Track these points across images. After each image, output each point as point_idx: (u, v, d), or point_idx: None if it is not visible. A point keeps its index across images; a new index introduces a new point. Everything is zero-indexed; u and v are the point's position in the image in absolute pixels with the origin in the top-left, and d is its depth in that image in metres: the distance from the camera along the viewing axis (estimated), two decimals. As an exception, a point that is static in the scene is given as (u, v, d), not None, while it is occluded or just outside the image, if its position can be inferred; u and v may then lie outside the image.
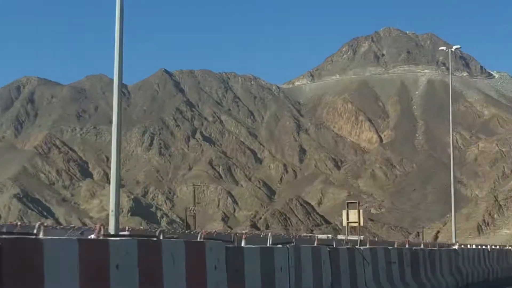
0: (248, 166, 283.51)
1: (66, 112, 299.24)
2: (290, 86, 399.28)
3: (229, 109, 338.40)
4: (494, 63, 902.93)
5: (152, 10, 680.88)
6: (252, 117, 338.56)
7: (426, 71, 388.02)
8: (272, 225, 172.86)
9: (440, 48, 53.79)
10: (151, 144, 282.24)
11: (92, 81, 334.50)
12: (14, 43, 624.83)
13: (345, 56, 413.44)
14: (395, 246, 22.67)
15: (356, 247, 17.97)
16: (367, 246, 19.54)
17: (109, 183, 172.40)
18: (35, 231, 7.99)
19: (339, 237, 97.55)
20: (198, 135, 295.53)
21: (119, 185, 20.98)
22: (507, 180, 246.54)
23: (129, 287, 8.26)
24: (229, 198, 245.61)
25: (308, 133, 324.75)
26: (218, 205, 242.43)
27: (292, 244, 14.11)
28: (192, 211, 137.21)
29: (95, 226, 10.51)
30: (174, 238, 11.73)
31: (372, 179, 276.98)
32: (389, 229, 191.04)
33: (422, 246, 28.37)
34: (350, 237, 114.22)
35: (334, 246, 17.14)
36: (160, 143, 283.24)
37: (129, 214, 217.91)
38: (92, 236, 8.92)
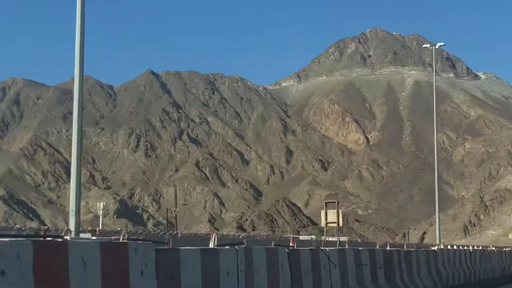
0: (235, 168, 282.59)
1: (51, 113, 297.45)
2: (277, 87, 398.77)
3: (216, 111, 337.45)
4: (481, 64, 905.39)
5: (138, 12, 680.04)
6: (239, 118, 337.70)
7: (412, 72, 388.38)
8: (258, 226, 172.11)
9: (424, 46, 53.24)
10: (137, 146, 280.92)
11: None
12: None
13: (331, 57, 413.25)
14: (377, 247, 21.56)
15: (321, 248, 16.37)
16: (335, 247, 18.23)
17: (95, 184, 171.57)
18: None
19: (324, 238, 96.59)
20: (184, 137, 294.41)
21: (80, 185, 20.20)
22: (493, 181, 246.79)
23: (21, 297, 6.99)
24: (215, 199, 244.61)
25: (295, 134, 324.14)
26: (205, 206, 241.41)
27: (243, 246, 12.79)
28: (173, 212, 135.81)
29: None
30: (140, 240, 10.26)
31: (359, 180, 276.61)
32: (375, 230, 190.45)
33: (405, 247, 27.47)
34: (333, 238, 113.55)
35: (315, 247, 16.26)
36: (146, 145, 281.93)
37: (115, 216, 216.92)
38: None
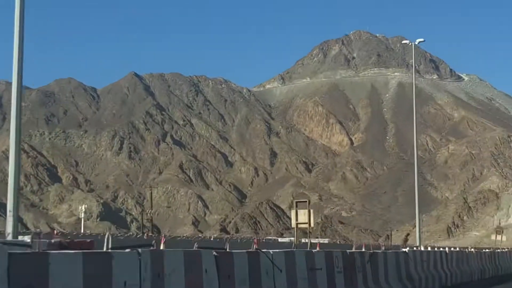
0: (219, 170, 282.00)
1: (34, 116, 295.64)
2: (261, 89, 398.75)
3: (200, 113, 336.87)
4: (464, 66, 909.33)
5: (121, 13, 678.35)
6: (222, 120, 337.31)
7: (396, 74, 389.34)
8: (242, 228, 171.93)
9: (403, 42, 52.63)
10: (120, 148, 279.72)
11: (61, 85, 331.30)
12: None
13: (315, 59, 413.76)
14: (353, 249, 20.84)
15: (264, 250, 14.49)
16: (282, 250, 15.94)
17: (78, 187, 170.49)
18: None
19: (306, 240, 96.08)
20: (168, 139, 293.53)
21: (18, 184, 19.62)
22: (477, 183, 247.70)
23: None
24: (199, 202, 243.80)
25: (279, 136, 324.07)
26: (189, 209, 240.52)
27: (151, 248, 10.91)
28: (149, 214, 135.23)
29: None
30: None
31: (343, 182, 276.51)
32: (359, 232, 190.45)
33: (383, 248, 26.32)
34: (314, 240, 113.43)
35: (254, 249, 14.35)
36: (130, 147, 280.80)
37: (98, 219, 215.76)
38: None
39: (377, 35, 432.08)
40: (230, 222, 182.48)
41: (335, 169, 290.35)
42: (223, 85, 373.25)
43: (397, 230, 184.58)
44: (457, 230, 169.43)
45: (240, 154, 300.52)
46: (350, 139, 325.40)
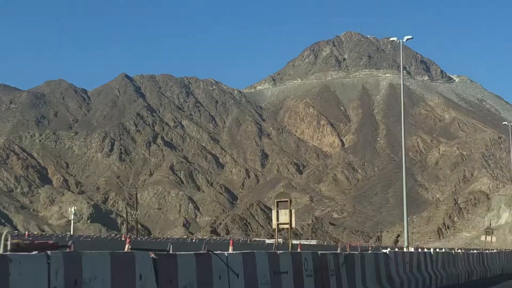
0: (209, 171, 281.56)
1: (25, 117, 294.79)
2: (252, 90, 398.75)
3: (191, 114, 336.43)
4: (455, 67, 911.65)
5: (112, 15, 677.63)
6: (213, 122, 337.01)
7: (387, 75, 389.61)
8: (232, 230, 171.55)
9: (391, 39, 52.35)
10: (111, 150, 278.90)
11: (52, 87, 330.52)
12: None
13: (306, 60, 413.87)
14: (339, 250, 20.01)
15: (216, 252, 12.89)
16: (240, 251, 14.18)
17: (69, 189, 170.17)
18: None
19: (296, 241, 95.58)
20: (159, 140, 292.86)
21: None
22: (468, 184, 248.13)
23: None
24: (190, 203, 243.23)
25: (270, 137, 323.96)
26: (180, 210, 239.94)
27: (67, 250, 9.17)
28: (134, 216, 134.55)
29: None
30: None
31: (334, 183, 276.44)
32: (350, 233, 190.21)
33: (370, 250, 25.60)
34: (305, 241, 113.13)
35: (206, 250, 12.66)
36: (120, 149, 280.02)
37: (89, 221, 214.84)
38: None
39: (368, 36, 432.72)
40: (220, 223, 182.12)
41: (326, 170, 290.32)
42: (214, 87, 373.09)
43: (387, 231, 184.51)
44: (448, 231, 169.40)
45: (231, 156, 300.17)
46: (341, 141, 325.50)
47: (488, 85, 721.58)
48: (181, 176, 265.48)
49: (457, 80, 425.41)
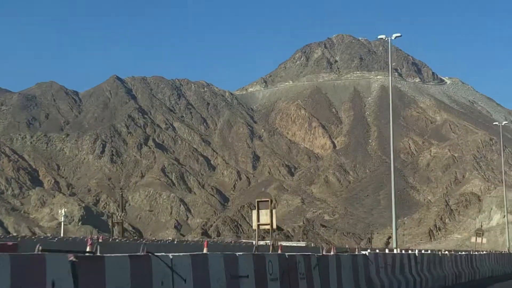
0: (201, 173, 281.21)
1: (16, 119, 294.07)
2: (243, 92, 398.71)
3: (182, 116, 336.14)
4: (446, 69, 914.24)
5: (104, 17, 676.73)
6: (205, 124, 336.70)
7: (379, 77, 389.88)
8: (223, 232, 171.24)
9: (379, 37, 52.02)
10: (102, 152, 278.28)
11: (43, 88, 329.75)
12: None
13: (298, 62, 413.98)
14: (323, 252, 19.17)
15: (159, 254, 11.36)
16: (189, 253, 12.51)
17: (60, 191, 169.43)
18: None
19: (287, 243, 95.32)
20: (150, 142, 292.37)
21: None
22: (459, 185, 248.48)
23: None
24: (182, 205, 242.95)
25: (261, 139, 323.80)
26: (171, 212, 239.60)
27: None
28: (119, 217, 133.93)
29: None
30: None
31: (325, 185, 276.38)
32: (341, 235, 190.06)
33: (357, 251, 24.37)
34: (293, 243, 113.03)
35: (145, 252, 11.18)
36: (112, 151, 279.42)
37: (80, 223, 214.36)
38: None
39: (360, 38, 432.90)
40: (211, 225, 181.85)
41: (317, 172, 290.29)
42: (205, 89, 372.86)
43: (378, 233, 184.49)
44: (439, 233, 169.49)
45: (223, 158, 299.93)
46: (333, 143, 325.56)
47: (480, 87, 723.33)
48: (173, 178, 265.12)
49: (448, 82, 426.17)
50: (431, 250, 39.43)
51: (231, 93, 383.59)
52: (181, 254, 12.13)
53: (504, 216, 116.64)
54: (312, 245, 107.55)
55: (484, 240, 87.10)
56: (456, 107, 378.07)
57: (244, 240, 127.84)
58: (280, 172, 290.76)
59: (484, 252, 46.45)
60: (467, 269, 33.57)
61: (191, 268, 11.98)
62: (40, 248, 9.19)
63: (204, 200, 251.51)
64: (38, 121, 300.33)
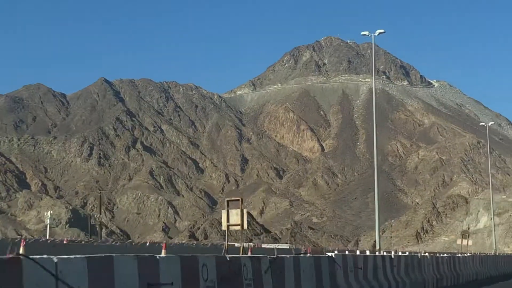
0: (189, 176, 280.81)
1: (3, 122, 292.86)
2: (232, 95, 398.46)
3: (170, 119, 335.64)
4: (434, 72, 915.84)
5: (90, 20, 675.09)
6: (193, 126, 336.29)
7: (367, 80, 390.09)
8: (211, 235, 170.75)
9: (362, 33, 51.92)
10: (90, 155, 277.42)
11: (30, 91, 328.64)
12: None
13: (286, 65, 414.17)
14: (301, 254, 18.46)
15: (33, 257, 8.55)
16: (83, 256, 9.58)
17: (47, 194, 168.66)
18: None
19: (272, 245, 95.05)
20: (138, 145, 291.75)
21: None
22: (447, 188, 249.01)
23: None
24: (170, 208, 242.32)
25: (250, 142, 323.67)
26: (159, 215, 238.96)
27: None
28: (98, 219, 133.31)
29: None
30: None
31: (314, 188, 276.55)
32: (329, 238, 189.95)
33: (326, 252, 22.24)
34: (283, 245, 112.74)
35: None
36: (99, 153, 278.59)
37: (67, 225, 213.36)
38: None
39: (348, 41, 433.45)
40: (199, 228, 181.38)
41: (306, 175, 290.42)
42: (193, 91, 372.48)
43: (364, 236, 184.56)
44: (426, 235, 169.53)
45: (211, 161, 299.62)
46: (321, 145, 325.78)
47: (468, 90, 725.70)
48: (161, 181, 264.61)
49: (436, 85, 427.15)
50: (413, 252, 38.18)
51: (219, 96, 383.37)
52: (72, 256, 9.39)
53: (491, 218, 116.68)
54: (294, 247, 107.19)
55: (470, 242, 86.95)
56: (444, 110, 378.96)
57: (222, 243, 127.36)
58: (268, 175, 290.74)
59: (469, 254, 45.27)
60: (449, 273, 31.53)
61: (86, 275, 9.31)
62: None
63: (192, 203, 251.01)
64: (26, 123, 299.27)
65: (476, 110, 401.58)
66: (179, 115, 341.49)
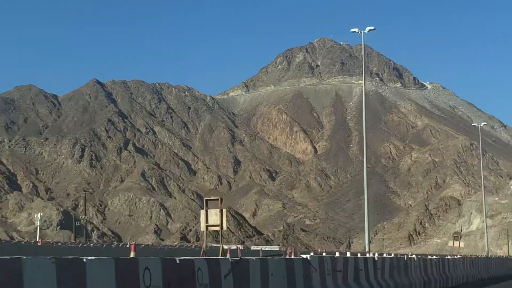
0: (181, 178, 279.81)
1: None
2: (225, 97, 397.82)
3: (163, 120, 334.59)
4: (427, 74, 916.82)
5: (83, 21, 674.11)
6: (186, 128, 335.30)
7: (360, 82, 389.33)
8: (202, 237, 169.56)
9: (352, 30, 51.11)
10: (82, 156, 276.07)
11: (22, 92, 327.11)
12: None
13: (279, 67, 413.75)
14: (287, 256, 17.38)
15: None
16: (43, 258, 8.53)
17: (38, 195, 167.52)
18: None
19: (258, 247, 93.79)
20: (130, 147, 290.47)
21: None
22: (440, 190, 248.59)
23: None
24: (162, 210, 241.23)
25: (242, 144, 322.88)
26: (151, 217, 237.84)
27: None
28: (83, 220, 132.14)
29: None
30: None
31: (306, 189, 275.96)
32: (322, 240, 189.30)
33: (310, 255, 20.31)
34: (273, 247, 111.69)
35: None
36: (91, 155, 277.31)
37: (58, 227, 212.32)
38: None
39: (341, 43, 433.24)
40: (190, 230, 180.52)
41: (299, 177, 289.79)
42: (186, 93, 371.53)
43: (356, 238, 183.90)
44: (419, 237, 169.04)
45: (204, 162, 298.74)
46: (314, 147, 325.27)
47: (460, 92, 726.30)
48: (153, 183, 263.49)
49: (429, 87, 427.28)
50: (401, 254, 36.89)
51: (212, 98, 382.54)
52: (35, 257, 8.26)
53: (484, 220, 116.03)
54: (283, 249, 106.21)
55: (462, 244, 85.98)
56: (437, 112, 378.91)
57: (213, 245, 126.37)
58: (261, 176, 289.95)
59: (459, 256, 43.96)
60: (438, 276, 30.16)
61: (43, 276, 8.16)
62: None
63: (184, 205, 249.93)
64: (17, 124, 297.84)
65: (469, 112, 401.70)
66: (171, 117, 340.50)
